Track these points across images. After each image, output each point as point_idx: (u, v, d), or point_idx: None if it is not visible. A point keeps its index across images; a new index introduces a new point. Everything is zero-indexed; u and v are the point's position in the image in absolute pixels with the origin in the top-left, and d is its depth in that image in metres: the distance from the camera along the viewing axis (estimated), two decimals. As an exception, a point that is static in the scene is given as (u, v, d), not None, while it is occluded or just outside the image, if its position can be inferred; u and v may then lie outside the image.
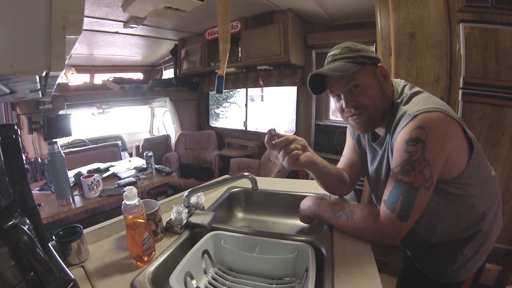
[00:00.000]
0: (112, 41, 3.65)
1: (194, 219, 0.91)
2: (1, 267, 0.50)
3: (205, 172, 3.85)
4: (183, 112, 4.52)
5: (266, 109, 7.14)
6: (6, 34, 0.28)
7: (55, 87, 0.69)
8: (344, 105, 0.79)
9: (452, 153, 0.69)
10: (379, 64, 0.78)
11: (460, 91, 1.54)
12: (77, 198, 1.77)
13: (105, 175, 2.20)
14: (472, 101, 1.52)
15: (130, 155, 4.34)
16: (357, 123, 0.80)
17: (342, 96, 0.79)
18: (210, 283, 0.79)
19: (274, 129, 0.80)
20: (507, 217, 1.48)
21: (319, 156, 0.92)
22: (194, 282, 0.74)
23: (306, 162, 0.82)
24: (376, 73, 0.78)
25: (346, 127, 0.98)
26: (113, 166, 2.44)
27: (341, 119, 0.85)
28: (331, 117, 3.23)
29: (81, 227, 0.78)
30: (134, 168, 2.33)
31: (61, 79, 3.68)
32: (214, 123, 4.88)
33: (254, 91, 7.19)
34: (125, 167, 2.39)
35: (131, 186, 0.73)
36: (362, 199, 1.99)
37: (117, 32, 3.31)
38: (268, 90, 7.24)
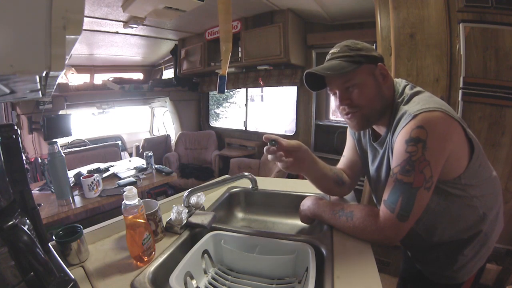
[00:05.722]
0: (112, 41, 3.65)
1: (194, 219, 0.91)
2: (1, 267, 0.50)
3: (205, 172, 3.85)
4: (183, 112, 4.51)
5: (266, 109, 7.13)
6: (6, 34, 0.28)
7: (55, 87, 0.69)
8: (338, 103, 0.81)
9: (452, 153, 0.69)
10: (378, 64, 0.78)
11: (460, 91, 1.54)
12: (77, 198, 1.77)
13: (105, 175, 2.19)
14: (472, 101, 1.52)
15: (130, 155, 4.34)
16: (351, 121, 0.81)
17: (337, 93, 0.80)
18: (210, 283, 0.79)
19: (274, 142, 0.81)
20: (507, 217, 1.47)
21: (318, 157, 0.93)
22: (194, 282, 0.74)
23: (296, 164, 0.84)
24: (375, 72, 0.78)
25: (346, 127, 0.98)
26: (113, 166, 2.44)
27: (341, 119, 0.86)
28: (331, 117, 3.22)
29: (81, 227, 0.78)
30: (134, 168, 2.33)
31: (61, 79, 3.68)
32: (214, 123, 4.87)
33: (254, 91, 7.17)
34: (125, 167, 2.39)
35: (131, 186, 0.73)
36: (362, 199, 1.99)
37: (117, 32, 3.30)
38: (268, 90, 7.23)
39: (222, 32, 1.42)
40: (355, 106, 0.78)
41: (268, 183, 1.32)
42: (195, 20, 3.20)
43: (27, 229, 0.52)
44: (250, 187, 1.04)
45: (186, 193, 0.96)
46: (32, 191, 0.68)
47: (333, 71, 0.74)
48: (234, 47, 3.20)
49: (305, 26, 3.05)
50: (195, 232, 0.91)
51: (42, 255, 0.50)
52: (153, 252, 0.77)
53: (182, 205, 0.95)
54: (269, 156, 0.80)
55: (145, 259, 0.74)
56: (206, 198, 1.07)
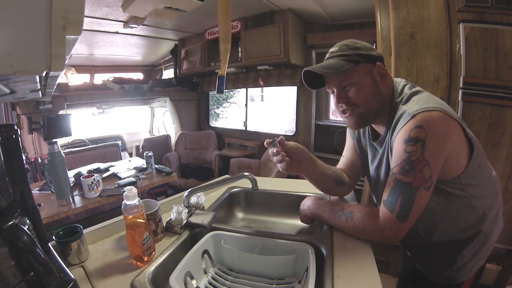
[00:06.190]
0: (112, 41, 3.65)
1: (194, 219, 0.91)
2: (1, 267, 0.50)
3: (205, 172, 3.85)
4: (183, 112, 4.52)
5: (266, 109, 7.13)
6: (6, 34, 0.28)
7: (55, 87, 0.69)
8: (335, 101, 0.81)
9: (452, 153, 0.69)
10: (377, 63, 0.78)
11: (460, 91, 1.54)
12: (77, 198, 1.77)
13: (105, 175, 2.19)
14: (472, 101, 1.52)
15: (130, 155, 4.34)
16: (348, 120, 0.82)
17: (335, 91, 0.80)
18: (210, 283, 0.79)
19: (277, 142, 0.82)
20: (507, 217, 1.47)
21: (318, 157, 0.93)
22: (194, 282, 0.74)
23: (295, 165, 0.85)
24: (373, 71, 0.78)
25: (346, 127, 0.98)
26: (113, 166, 2.44)
27: (341, 119, 0.87)
28: (331, 117, 3.22)
29: (81, 227, 0.78)
30: (134, 168, 2.33)
31: (61, 79, 3.68)
32: (214, 123, 4.87)
33: (254, 91, 7.17)
34: (125, 167, 2.39)
35: (131, 186, 0.73)
36: (362, 199, 1.99)
37: (117, 32, 3.31)
38: (268, 90, 7.23)
39: (222, 32, 1.42)
40: (351, 105, 0.78)
41: (268, 183, 1.32)
42: (195, 20, 3.20)
43: (27, 229, 0.52)
44: (250, 187, 1.04)
45: (186, 193, 0.96)
46: (32, 191, 0.68)
47: (330, 70, 0.75)
48: (234, 47, 3.22)
49: (305, 26, 3.05)
50: (195, 232, 0.91)
51: (42, 255, 0.50)
52: (153, 252, 0.77)
53: (182, 205, 0.95)
54: (275, 158, 0.81)
55: (145, 259, 0.74)
56: (206, 198, 1.07)
